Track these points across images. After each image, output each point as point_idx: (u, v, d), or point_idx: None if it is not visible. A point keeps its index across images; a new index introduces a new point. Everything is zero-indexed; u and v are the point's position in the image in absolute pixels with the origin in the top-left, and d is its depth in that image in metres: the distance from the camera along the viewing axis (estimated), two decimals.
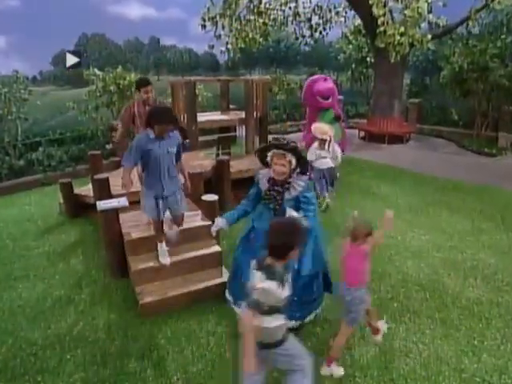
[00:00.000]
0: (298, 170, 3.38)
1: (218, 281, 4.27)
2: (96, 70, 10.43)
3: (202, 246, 4.51)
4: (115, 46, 77.94)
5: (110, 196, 4.86)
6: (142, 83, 4.91)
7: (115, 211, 4.56)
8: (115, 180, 5.81)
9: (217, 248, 4.52)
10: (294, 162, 3.26)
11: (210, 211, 4.84)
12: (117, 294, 4.31)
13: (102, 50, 72.95)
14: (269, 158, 3.34)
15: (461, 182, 8.03)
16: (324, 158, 6.49)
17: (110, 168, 7.01)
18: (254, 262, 2.43)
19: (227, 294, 3.88)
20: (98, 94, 10.17)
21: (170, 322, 3.82)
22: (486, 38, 11.15)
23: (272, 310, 2.32)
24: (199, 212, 5.03)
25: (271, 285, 2.24)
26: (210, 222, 4.68)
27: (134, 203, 5.19)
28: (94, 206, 4.70)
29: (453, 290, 4.29)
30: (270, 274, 2.28)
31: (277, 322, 2.37)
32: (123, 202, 4.62)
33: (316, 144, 6.55)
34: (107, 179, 4.97)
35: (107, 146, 9.39)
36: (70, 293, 4.38)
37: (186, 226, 4.64)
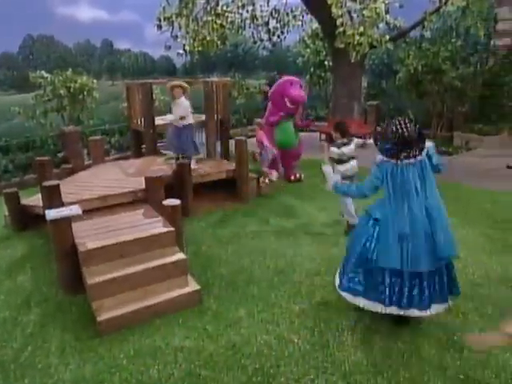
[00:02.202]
0: None
1: (183, 291, 3.96)
2: (44, 73, 9.76)
3: (164, 254, 4.17)
4: (65, 49, 74.22)
5: (62, 204, 4.43)
6: None
7: (67, 220, 4.14)
8: (67, 187, 5.40)
9: (181, 255, 4.19)
10: None
11: (173, 216, 4.53)
12: (71, 312, 3.88)
13: (50, 53, 69.26)
14: None
15: None
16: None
17: (61, 177, 6.50)
18: None
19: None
20: (47, 98, 9.51)
21: (131, 339, 3.46)
22: (437, 41, 11.56)
23: None
24: (160, 218, 4.69)
25: None
26: (172, 229, 4.37)
27: (88, 211, 4.81)
28: (44, 216, 4.25)
29: None
30: None
31: None
32: (76, 210, 4.22)
33: (183, 97, 6.65)
34: (57, 186, 4.53)
35: (58, 154, 8.78)
36: (17, 314, 3.90)
37: (146, 233, 4.29)
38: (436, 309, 3.29)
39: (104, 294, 3.72)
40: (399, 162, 3.19)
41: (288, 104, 7.49)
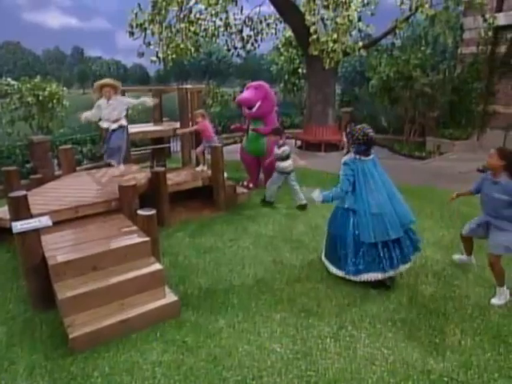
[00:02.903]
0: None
1: (161, 303, 3.80)
2: (10, 80, 9.38)
3: (140, 266, 4.02)
4: (33, 56, 71.83)
5: (30, 216, 4.21)
6: None
7: (36, 232, 3.93)
8: (36, 198, 5.16)
9: (157, 266, 4.04)
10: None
11: (148, 226, 4.37)
12: (41, 330, 3.66)
13: (16, 60, 66.86)
14: None
15: (398, 183, 8.23)
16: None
17: (29, 187, 6.21)
18: None
19: (327, 263, 4.50)
20: (14, 107, 9.12)
21: (107, 356, 3.29)
22: (407, 49, 11.86)
23: None
24: (135, 228, 4.53)
25: None
26: (147, 239, 4.22)
27: (58, 223, 4.60)
28: (11, 230, 4.02)
29: (407, 288, 4.21)
30: None
31: None
32: (45, 221, 4.01)
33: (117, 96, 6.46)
34: (25, 196, 4.31)
35: (27, 165, 8.43)
36: None
37: (120, 243, 4.13)
38: (413, 258, 4.32)
39: (76, 309, 3.54)
40: (364, 158, 4.09)
41: (245, 109, 7.51)
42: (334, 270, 4.35)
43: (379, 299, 4.03)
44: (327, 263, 4.47)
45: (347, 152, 4.26)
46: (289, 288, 4.27)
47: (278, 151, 6.59)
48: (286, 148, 6.59)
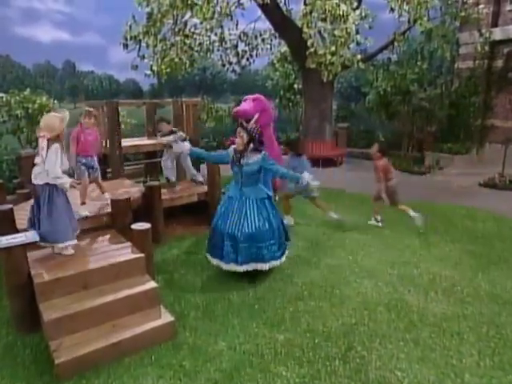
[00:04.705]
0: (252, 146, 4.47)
1: (156, 323, 3.53)
2: None
3: (133, 284, 3.77)
4: (23, 70, 71.30)
5: (16, 230, 3.98)
6: None
7: (22, 248, 3.67)
8: (22, 213, 4.90)
9: (152, 284, 3.80)
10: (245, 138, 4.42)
11: (143, 242, 4.14)
12: (24, 355, 3.36)
13: (6, 74, 66.06)
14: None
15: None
16: None
17: (16, 202, 5.95)
18: None
19: (210, 258, 4.72)
20: (2, 120, 8.85)
21: (96, 382, 3.01)
22: (404, 64, 11.88)
23: None
24: (128, 244, 4.29)
25: None
26: (141, 255, 3.98)
27: None
28: None
29: (417, 306, 3.98)
30: None
31: None
32: (32, 236, 3.77)
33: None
34: (11, 210, 4.09)
35: (14, 180, 8.15)
36: None
37: (112, 260, 3.88)
38: None
39: (63, 331, 3.27)
40: None
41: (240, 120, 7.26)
42: (265, 265, 4.51)
43: (388, 317, 3.80)
44: (245, 266, 4.47)
45: (244, 151, 4.47)
46: (291, 306, 4.02)
47: (160, 139, 6.75)
48: (168, 138, 6.54)
